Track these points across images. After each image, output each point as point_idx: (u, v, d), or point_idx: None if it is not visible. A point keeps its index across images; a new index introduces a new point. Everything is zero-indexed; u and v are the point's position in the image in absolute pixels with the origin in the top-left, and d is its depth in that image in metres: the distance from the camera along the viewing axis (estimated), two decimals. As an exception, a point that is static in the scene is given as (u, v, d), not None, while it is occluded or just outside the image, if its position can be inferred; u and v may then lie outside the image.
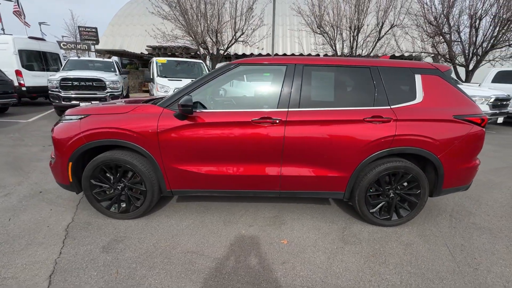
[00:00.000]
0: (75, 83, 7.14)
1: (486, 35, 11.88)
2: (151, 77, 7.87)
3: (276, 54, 15.02)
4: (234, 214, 2.65)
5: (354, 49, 12.32)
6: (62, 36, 24.89)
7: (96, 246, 2.10)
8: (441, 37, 12.79)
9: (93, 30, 14.49)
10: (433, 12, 12.58)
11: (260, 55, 15.22)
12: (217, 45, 12.38)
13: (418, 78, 2.36)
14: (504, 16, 11.60)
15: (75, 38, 22.21)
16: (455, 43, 12.82)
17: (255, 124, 2.24)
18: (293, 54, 15.20)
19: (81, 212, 2.60)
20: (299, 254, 2.09)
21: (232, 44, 12.59)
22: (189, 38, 11.73)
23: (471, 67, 12.51)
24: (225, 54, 12.88)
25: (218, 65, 11.36)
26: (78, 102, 7.16)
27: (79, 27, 15.29)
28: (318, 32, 11.83)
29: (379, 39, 11.57)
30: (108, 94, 7.69)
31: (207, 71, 8.61)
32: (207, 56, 12.74)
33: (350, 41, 12.19)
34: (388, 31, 11.35)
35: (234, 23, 11.92)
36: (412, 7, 11.86)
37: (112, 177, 2.40)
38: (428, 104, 2.31)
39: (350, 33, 12.21)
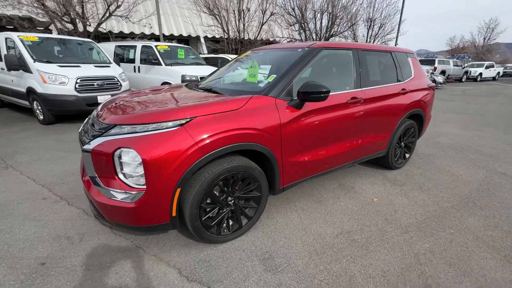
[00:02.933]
0: None
1: (328, 26, 16.05)
2: (18, 62, 5.20)
3: (172, 36, 13.32)
4: (314, 194, 2.79)
5: (241, 32, 13.14)
6: None
7: (256, 274, 1.73)
8: (299, 26, 16.02)
9: None
10: (292, 5, 15.42)
11: (153, 35, 12.91)
12: (83, 19, 9.47)
13: (409, 60, 3.34)
14: (333, 13, 15.95)
15: None
16: (309, 31, 16.49)
17: (348, 104, 2.46)
18: (189, 36, 14.05)
19: (166, 255, 1.87)
20: (392, 202, 2.66)
21: (106, 19, 10.02)
22: (36, 5, 8.23)
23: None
24: (98, 31, 10.09)
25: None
26: None
27: None
28: (211, 14, 11.63)
29: (262, 25, 12.97)
30: None
31: (104, 53, 6.67)
32: (57, 32, 9.41)
33: (237, 25, 12.87)
34: (269, 18, 12.90)
35: (106, -8, 9.45)
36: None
37: (220, 193, 1.89)
38: (417, 78, 3.37)
39: (235, 17, 12.85)
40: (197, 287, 1.62)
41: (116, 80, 5.96)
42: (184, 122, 1.63)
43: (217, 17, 11.94)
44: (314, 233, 2.16)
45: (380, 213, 2.47)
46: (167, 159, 1.54)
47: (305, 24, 15.83)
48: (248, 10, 12.26)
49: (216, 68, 9.38)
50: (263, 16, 12.77)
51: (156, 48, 7.30)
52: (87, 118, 2.36)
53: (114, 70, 6.08)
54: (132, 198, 1.58)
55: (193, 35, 13.87)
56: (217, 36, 12.72)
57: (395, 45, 20.12)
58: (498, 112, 7.85)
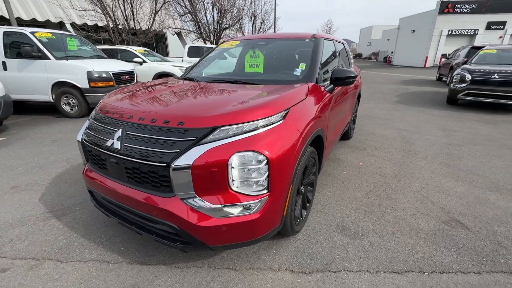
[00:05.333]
0: None
1: (218, 19, 16.28)
2: None
3: (20, 20, 9.35)
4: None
5: (130, 20, 11.37)
6: None
7: (350, 244, 1.90)
8: (191, 17, 15.48)
9: None
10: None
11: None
12: None
13: (349, 50, 4.16)
14: (222, 6, 16.38)
15: None
16: (201, 24, 16.20)
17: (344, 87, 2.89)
18: (62, 24, 10.43)
19: (261, 263, 1.72)
20: (372, 162, 3.38)
21: None
22: None
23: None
24: None
25: None
26: None
27: None
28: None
29: (156, 13, 11.67)
30: None
31: None
32: None
33: (123, 12, 11.02)
34: (162, 6, 11.74)
35: None
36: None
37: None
38: (354, 67, 4.25)
39: (121, 4, 10.94)
40: (320, 275, 1.63)
41: (-15, 82, 4.03)
42: (285, 113, 1.53)
43: (99, 1, 9.77)
44: (351, 199, 2.51)
45: (373, 172, 3.11)
46: (286, 155, 1.43)
47: (195, 15, 15.46)
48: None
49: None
50: (155, 4, 11.50)
51: (35, 36, 5.33)
52: (86, 127, 1.68)
53: (-25, 68, 4.05)
54: (255, 208, 1.37)
55: (66, 21, 10.70)
56: (88, 23, 10.35)
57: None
58: (364, 90, 10.76)
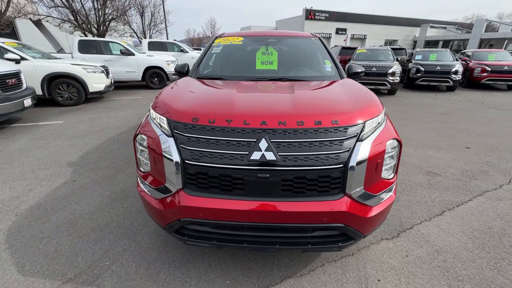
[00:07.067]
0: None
1: (98, 8, 13.54)
2: None
3: None
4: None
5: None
6: None
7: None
8: (59, 2, 12.20)
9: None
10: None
11: None
12: None
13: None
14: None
15: None
16: (76, 13, 12.99)
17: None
18: None
19: (362, 241, 1.91)
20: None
21: None
22: None
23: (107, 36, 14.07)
24: None
25: None
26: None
27: None
28: None
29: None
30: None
31: None
32: None
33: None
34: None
35: None
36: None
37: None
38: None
39: None
40: (405, 234, 1.99)
41: None
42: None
43: None
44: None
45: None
46: (398, 139, 1.66)
47: (67, 2, 12.30)
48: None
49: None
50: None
51: None
52: (177, 146, 1.31)
53: None
54: (393, 189, 1.53)
55: None
56: None
57: (167, 35, 21.50)
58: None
